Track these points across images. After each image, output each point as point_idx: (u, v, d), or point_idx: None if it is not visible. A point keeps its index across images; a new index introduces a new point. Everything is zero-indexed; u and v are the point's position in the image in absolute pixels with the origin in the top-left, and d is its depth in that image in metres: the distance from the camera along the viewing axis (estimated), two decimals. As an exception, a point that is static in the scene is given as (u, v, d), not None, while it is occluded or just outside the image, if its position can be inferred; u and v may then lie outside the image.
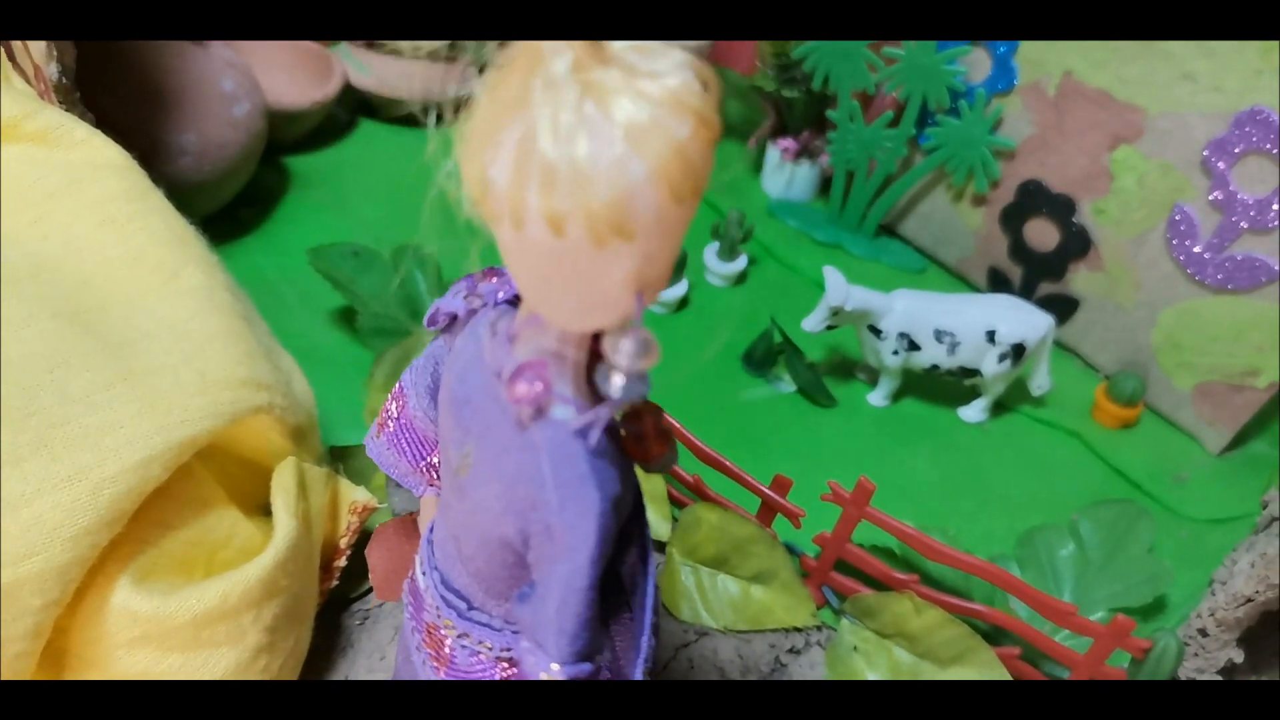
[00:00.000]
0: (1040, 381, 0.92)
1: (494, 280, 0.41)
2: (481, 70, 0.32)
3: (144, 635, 0.52)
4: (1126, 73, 0.87)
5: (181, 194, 0.84)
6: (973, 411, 0.94)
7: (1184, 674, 0.70)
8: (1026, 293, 1.02)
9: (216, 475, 0.61)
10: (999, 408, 0.95)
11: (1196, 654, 0.70)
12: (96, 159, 0.65)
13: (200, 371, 0.57)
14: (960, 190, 1.04)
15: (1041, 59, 0.92)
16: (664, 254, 0.32)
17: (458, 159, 0.32)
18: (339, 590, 0.68)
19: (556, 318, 0.35)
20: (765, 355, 0.94)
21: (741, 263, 1.03)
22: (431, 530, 0.47)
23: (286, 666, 0.59)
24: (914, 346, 0.88)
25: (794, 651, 0.73)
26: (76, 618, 0.52)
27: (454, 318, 0.43)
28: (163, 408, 0.54)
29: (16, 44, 0.74)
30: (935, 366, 0.89)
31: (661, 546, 0.78)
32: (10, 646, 0.50)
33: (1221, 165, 0.84)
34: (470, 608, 0.44)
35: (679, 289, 0.98)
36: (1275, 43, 0.78)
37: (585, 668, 0.39)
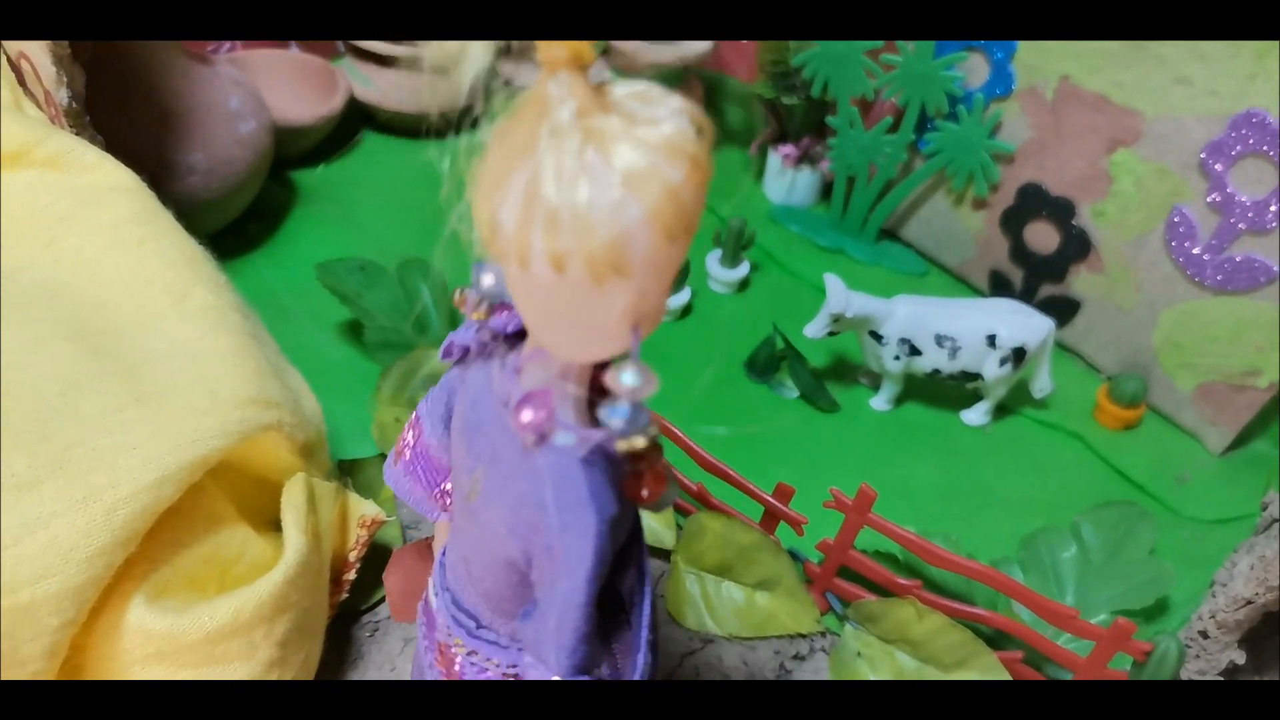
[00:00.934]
0: (1042, 384, 0.93)
1: (504, 315, 0.43)
2: (486, 83, 0.33)
3: (158, 652, 0.53)
4: (1123, 77, 0.88)
5: (190, 212, 0.86)
6: (975, 415, 0.95)
7: (1185, 676, 0.70)
8: (1028, 295, 1.03)
9: (228, 492, 0.62)
10: (1001, 410, 0.96)
11: (1198, 656, 0.71)
12: (107, 182, 0.67)
13: (211, 391, 0.58)
14: (960, 194, 1.05)
15: (1038, 64, 0.93)
16: (658, 290, 0.34)
17: (470, 201, 0.34)
18: (349, 603, 0.69)
19: (559, 349, 0.37)
20: (768, 361, 0.95)
21: (744, 269, 1.04)
22: (444, 553, 0.48)
23: (298, 680, 0.60)
24: (915, 351, 0.89)
25: (798, 658, 0.74)
26: (92, 636, 0.54)
27: (467, 350, 0.45)
28: (175, 428, 0.55)
29: (27, 69, 0.75)
30: (937, 371, 0.90)
31: (666, 554, 0.79)
32: (28, 666, 0.51)
33: (1219, 167, 0.84)
34: (479, 626, 0.46)
35: (682, 296, 0.99)
36: (1269, 46, 0.78)
37: (584, 680, 0.40)
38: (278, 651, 0.57)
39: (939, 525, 0.84)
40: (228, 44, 1.09)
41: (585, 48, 0.31)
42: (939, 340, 0.88)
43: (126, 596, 0.53)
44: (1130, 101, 0.88)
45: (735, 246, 1.01)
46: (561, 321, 0.35)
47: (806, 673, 0.73)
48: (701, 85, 1.15)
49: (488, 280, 0.41)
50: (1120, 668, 0.70)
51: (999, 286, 1.06)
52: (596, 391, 0.40)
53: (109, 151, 0.69)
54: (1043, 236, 1.00)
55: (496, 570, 0.42)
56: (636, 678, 0.45)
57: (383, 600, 0.71)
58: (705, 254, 1.04)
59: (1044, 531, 0.82)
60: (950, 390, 0.96)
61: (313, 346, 0.88)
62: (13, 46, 0.76)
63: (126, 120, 0.82)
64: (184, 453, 0.55)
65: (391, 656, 0.69)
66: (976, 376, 0.90)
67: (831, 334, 0.89)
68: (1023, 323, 0.87)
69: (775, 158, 1.14)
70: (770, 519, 0.76)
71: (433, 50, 0.34)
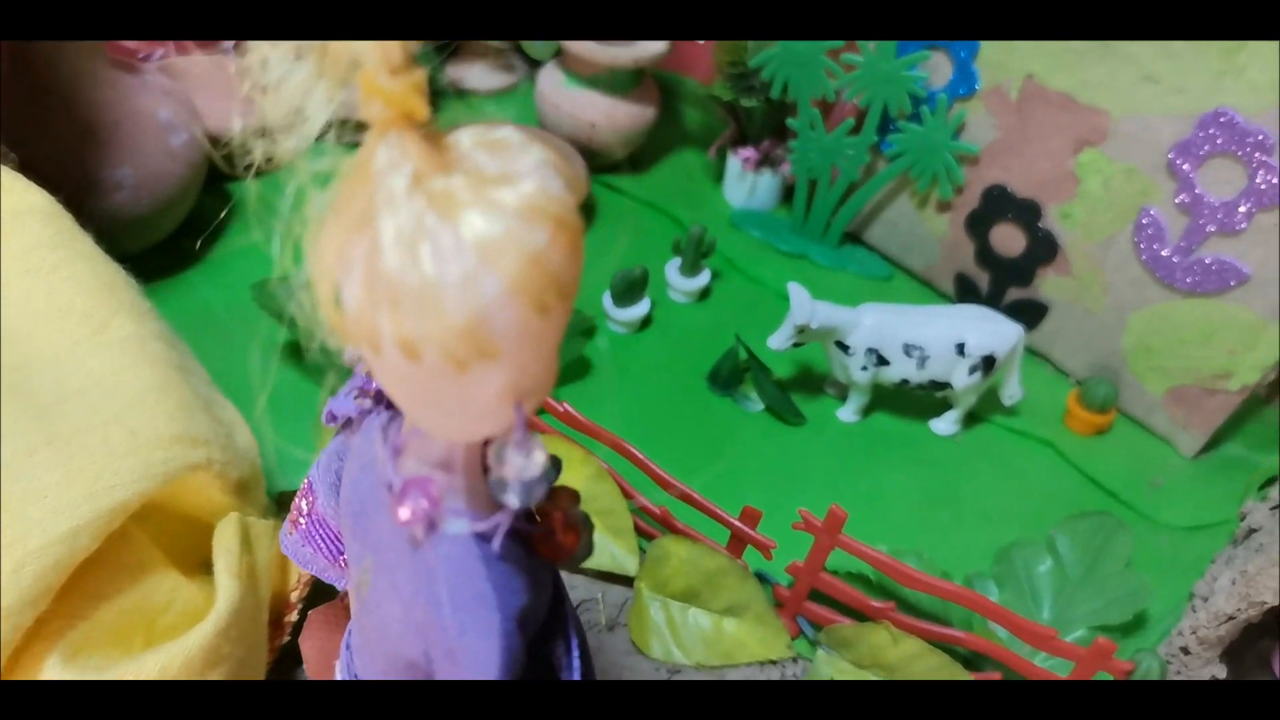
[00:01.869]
0: (1012, 391, 0.91)
1: None
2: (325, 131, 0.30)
3: (76, 717, 0.49)
4: (1089, 76, 0.85)
5: (119, 230, 0.81)
6: (945, 424, 0.93)
7: (1167, 694, 0.68)
8: (994, 299, 1.01)
9: (154, 536, 0.58)
10: (971, 419, 0.94)
11: (1179, 672, 0.69)
12: (19, 205, 0.62)
13: (131, 430, 0.54)
14: (925, 197, 1.02)
15: (1003, 62, 0.91)
16: (538, 363, 0.30)
17: (310, 276, 0.30)
18: (291, 644, 0.65)
19: (436, 433, 0.33)
20: (731, 374, 0.92)
21: (705, 278, 1.01)
22: (349, 635, 0.44)
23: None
24: (883, 361, 0.86)
25: (769, 686, 0.71)
26: (3, 702, 0.49)
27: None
28: (91, 472, 0.51)
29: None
30: (905, 381, 0.87)
31: (629, 581, 0.75)
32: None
33: (1187, 168, 0.82)
34: None
35: (641, 307, 0.96)
36: (1236, 44, 0.76)
37: None
38: (210, 709, 0.52)
39: (911, 540, 0.82)
40: (159, 51, 1.04)
41: (414, 101, 0.27)
42: (907, 350, 0.85)
43: (39, 658, 0.49)
44: (1096, 101, 0.86)
45: (695, 254, 0.97)
46: (430, 407, 0.31)
47: (778, 703, 0.70)
48: (658, 87, 1.12)
49: None
50: (1101, 689, 0.68)
51: (965, 290, 1.04)
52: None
53: (24, 169, 0.64)
54: (1009, 239, 0.98)
55: (399, 669, 0.38)
56: None
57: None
58: (665, 263, 1.01)
59: (1019, 545, 0.80)
60: (919, 399, 0.93)
61: (252, 369, 0.83)
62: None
63: (45, 134, 0.77)
64: (101, 500, 0.50)
65: (338, 702, 0.65)
66: (945, 385, 0.87)
67: (796, 345, 0.86)
68: (992, 330, 0.85)
69: (735, 161, 1.11)
70: (737, 543, 0.73)
71: (271, 103, 0.30)
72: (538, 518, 0.39)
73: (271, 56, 0.31)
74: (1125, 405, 0.96)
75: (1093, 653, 0.65)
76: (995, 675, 0.70)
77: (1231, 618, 0.63)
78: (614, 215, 1.11)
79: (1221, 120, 0.79)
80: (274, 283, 0.82)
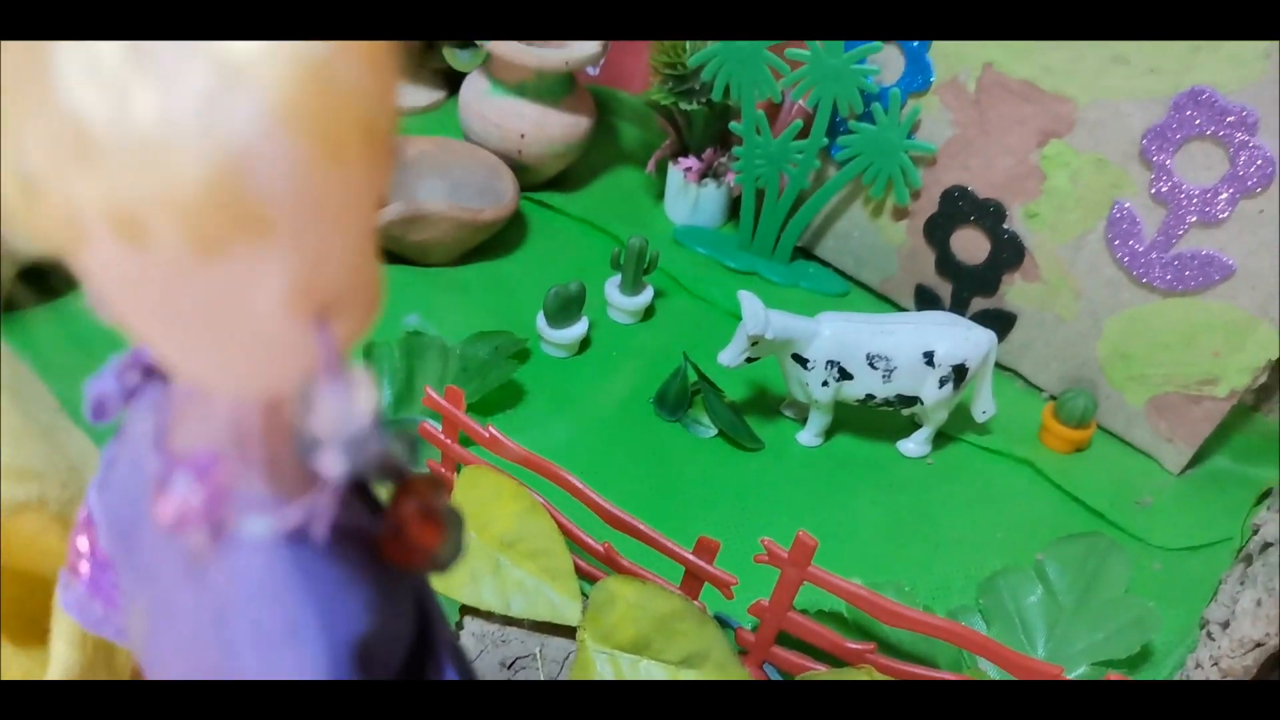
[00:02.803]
0: (984, 406, 0.83)
1: None
2: None
3: None
4: (1052, 60, 0.79)
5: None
6: (914, 444, 0.85)
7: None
8: (958, 310, 0.94)
9: (-20, 595, 0.47)
10: (942, 438, 0.86)
11: (1198, 709, 0.61)
12: None
13: (-63, 464, 0.43)
14: (880, 203, 0.96)
15: (959, 51, 0.84)
16: (340, 245, 0.21)
17: None
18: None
19: (207, 377, 0.23)
20: (679, 397, 0.83)
21: (647, 296, 0.92)
22: None
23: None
24: (845, 375, 0.78)
25: (735, 748, 0.61)
26: None
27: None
28: (-122, 516, 0.41)
29: None
30: (870, 396, 0.79)
31: (572, 632, 0.65)
32: None
33: (1162, 155, 0.76)
34: None
35: (579, 328, 0.87)
36: (1212, 15, 0.70)
37: None
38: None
39: (886, 573, 0.74)
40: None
41: None
42: (871, 361, 0.77)
43: None
44: (1061, 88, 0.80)
45: (636, 269, 0.89)
46: (181, 331, 0.21)
47: (746, 767, 0.61)
48: (592, 99, 1.04)
49: None
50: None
51: (926, 303, 0.96)
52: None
53: None
54: (971, 245, 0.91)
55: None
56: None
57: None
58: (603, 279, 0.92)
59: (1004, 573, 0.72)
60: (885, 418, 0.85)
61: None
62: None
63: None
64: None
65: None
66: (914, 400, 0.79)
67: (750, 360, 0.78)
68: (962, 337, 0.77)
69: (676, 173, 1.04)
70: (693, 581, 0.64)
71: None
72: (384, 511, 0.28)
73: None
74: (1104, 419, 0.89)
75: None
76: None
77: (1260, 644, 0.55)
78: (547, 234, 1.03)
79: (1200, 99, 0.73)
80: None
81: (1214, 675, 0.58)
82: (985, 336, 0.78)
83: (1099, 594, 0.70)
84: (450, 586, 0.67)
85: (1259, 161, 0.72)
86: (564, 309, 0.85)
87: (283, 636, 0.24)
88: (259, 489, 0.25)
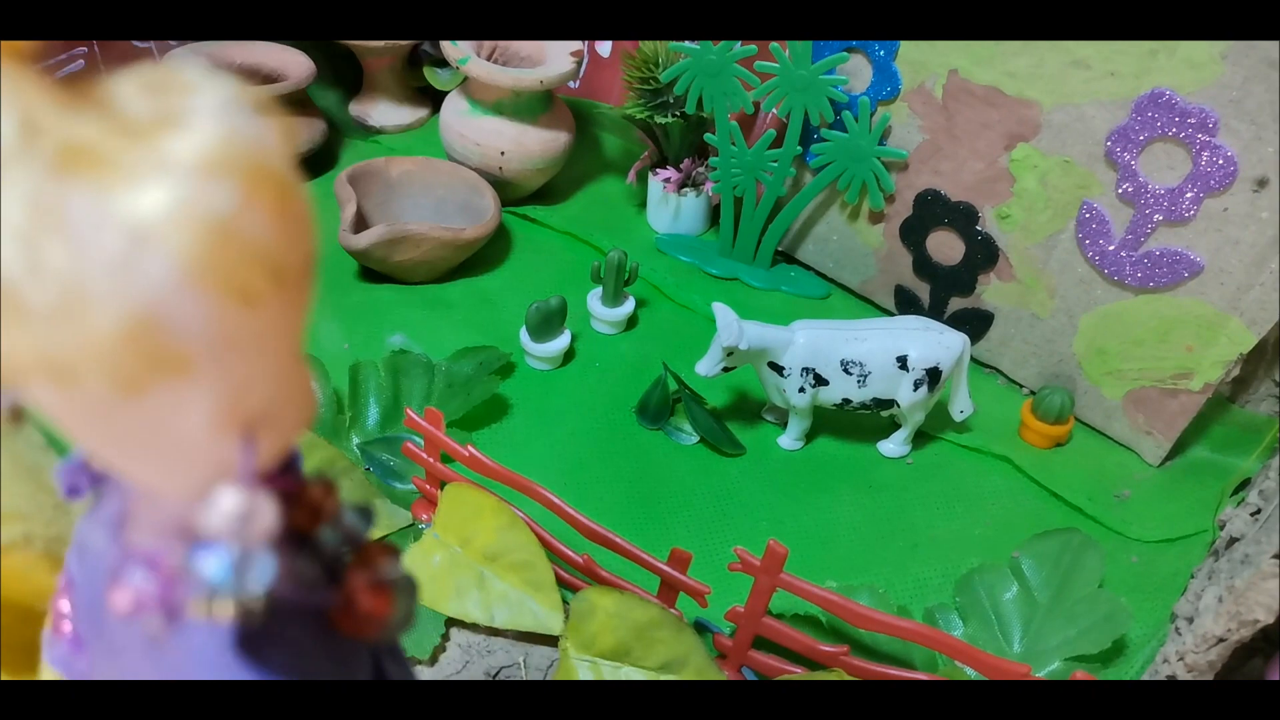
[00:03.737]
0: (961, 405, 0.85)
1: None
2: None
3: None
4: (1014, 66, 0.80)
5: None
6: (893, 445, 0.86)
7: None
8: (936, 310, 0.95)
9: (-27, 629, 0.49)
10: (921, 438, 0.87)
11: (1166, 702, 0.62)
12: None
13: (-74, 505, 0.45)
14: (856, 208, 0.97)
15: (924, 59, 0.86)
16: (265, 375, 0.23)
17: None
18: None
19: (153, 487, 0.25)
20: (661, 405, 0.85)
21: (629, 307, 0.94)
22: None
23: None
24: (821, 381, 0.79)
25: (715, 751, 0.63)
26: None
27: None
28: None
29: None
30: (847, 401, 0.81)
31: (555, 641, 0.67)
32: None
33: (1127, 155, 0.77)
34: None
35: (561, 341, 0.88)
36: (1168, 18, 0.72)
37: None
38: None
39: (865, 574, 0.75)
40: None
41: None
42: (845, 367, 0.79)
43: None
44: (1025, 92, 0.81)
45: (616, 281, 0.91)
46: (120, 452, 0.23)
47: (725, 770, 0.62)
48: (570, 113, 1.06)
49: None
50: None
51: (906, 304, 0.98)
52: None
53: None
54: (946, 247, 0.92)
55: None
56: None
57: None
58: (587, 291, 0.94)
59: (981, 571, 0.74)
60: (864, 420, 0.87)
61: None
62: None
63: None
64: (-122, 590, 0.42)
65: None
66: (890, 403, 0.81)
67: (726, 370, 0.79)
68: (935, 341, 0.79)
69: (656, 184, 1.05)
70: (668, 591, 0.65)
71: None
72: (341, 585, 0.30)
73: None
74: (1082, 413, 0.90)
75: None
76: None
77: (1222, 639, 0.56)
78: (529, 248, 1.05)
79: (1160, 101, 0.74)
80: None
81: (1180, 670, 0.59)
82: (957, 339, 0.80)
83: (1073, 590, 0.71)
84: (437, 600, 0.68)
85: (1220, 161, 0.73)
86: (545, 323, 0.87)
87: None
88: None
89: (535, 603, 0.68)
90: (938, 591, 0.75)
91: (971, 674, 0.65)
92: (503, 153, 1.00)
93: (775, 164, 0.96)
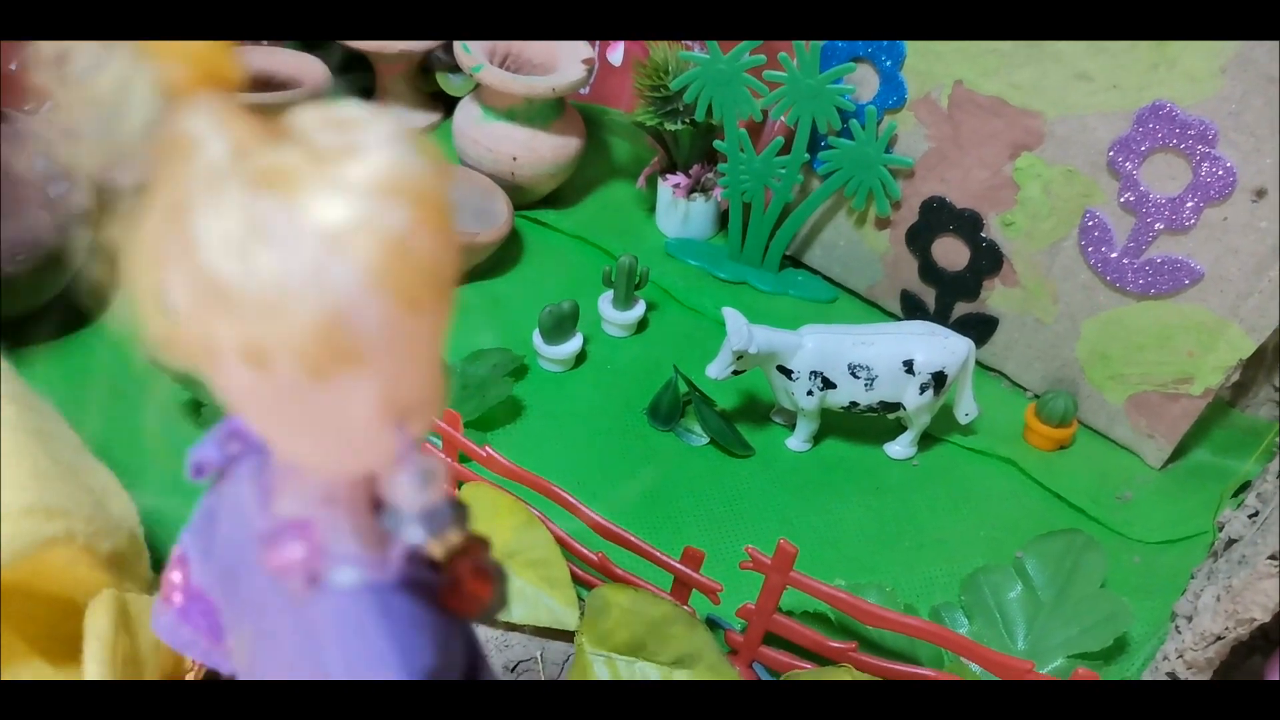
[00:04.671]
0: (966, 408, 0.86)
1: None
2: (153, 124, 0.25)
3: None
4: (1019, 78, 0.82)
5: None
6: (899, 447, 0.88)
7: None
8: (942, 315, 0.97)
9: (17, 620, 0.51)
10: (927, 440, 0.89)
11: (1166, 698, 0.64)
12: None
13: (-27, 503, 0.47)
14: (862, 214, 0.99)
15: (930, 70, 0.87)
16: (416, 371, 0.26)
17: (128, 283, 0.25)
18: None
19: (308, 464, 0.29)
20: (671, 407, 0.87)
21: (639, 310, 0.96)
22: None
23: None
24: (829, 384, 0.81)
25: (727, 745, 0.65)
26: None
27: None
28: (-78, 554, 0.44)
29: None
30: (854, 404, 0.82)
31: (571, 636, 0.69)
32: None
33: (1129, 165, 0.79)
34: None
35: (574, 344, 0.90)
36: (1170, 31, 0.73)
37: None
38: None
39: (872, 573, 0.77)
40: (49, 104, 0.98)
41: (221, 57, 0.23)
42: (853, 371, 0.80)
43: None
44: (1029, 103, 0.83)
45: (627, 285, 0.92)
46: (293, 430, 0.27)
47: (737, 763, 0.64)
48: (581, 118, 1.08)
49: None
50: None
51: (911, 308, 1.00)
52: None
53: None
54: (951, 252, 0.94)
55: None
56: None
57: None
58: (598, 294, 0.96)
59: (985, 570, 0.75)
60: (871, 423, 0.88)
61: (147, 428, 0.77)
62: None
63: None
64: (-67, 584, 0.43)
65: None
66: (897, 406, 0.83)
67: (736, 373, 0.81)
68: (940, 345, 0.81)
69: (665, 189, 1.07)
70: (682, 587, 0.67)
71: (91, 80, 0.25)
72: (443, 567, 0.34)
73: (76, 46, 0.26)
74: (1085, 417, 0.92)
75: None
76: None
77: (1220, 638, 0.58)
78: (542, 251, 1.06)
79: (1160, 113, 0.76)
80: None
81: (1180, 667, 0.61)
82: (963, 344, 0.81)
83: (1076, 589, 0.73)
84: (455, 598, 0.70)
85: (1219, 172, 0.74)
86: (558, 326, 0.89)
87: (367, 665, 0.29)
88: (349, 547, 0.30)
89: (551, 599, 0.69)
90: (944, 590, 0.77)
91: (976, 670, 0.66)
92: (515, 158, 1.02)
93: (783, 170, 0.98)
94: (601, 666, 0.67)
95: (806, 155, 0.96)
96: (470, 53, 1.00)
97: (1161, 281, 0.81)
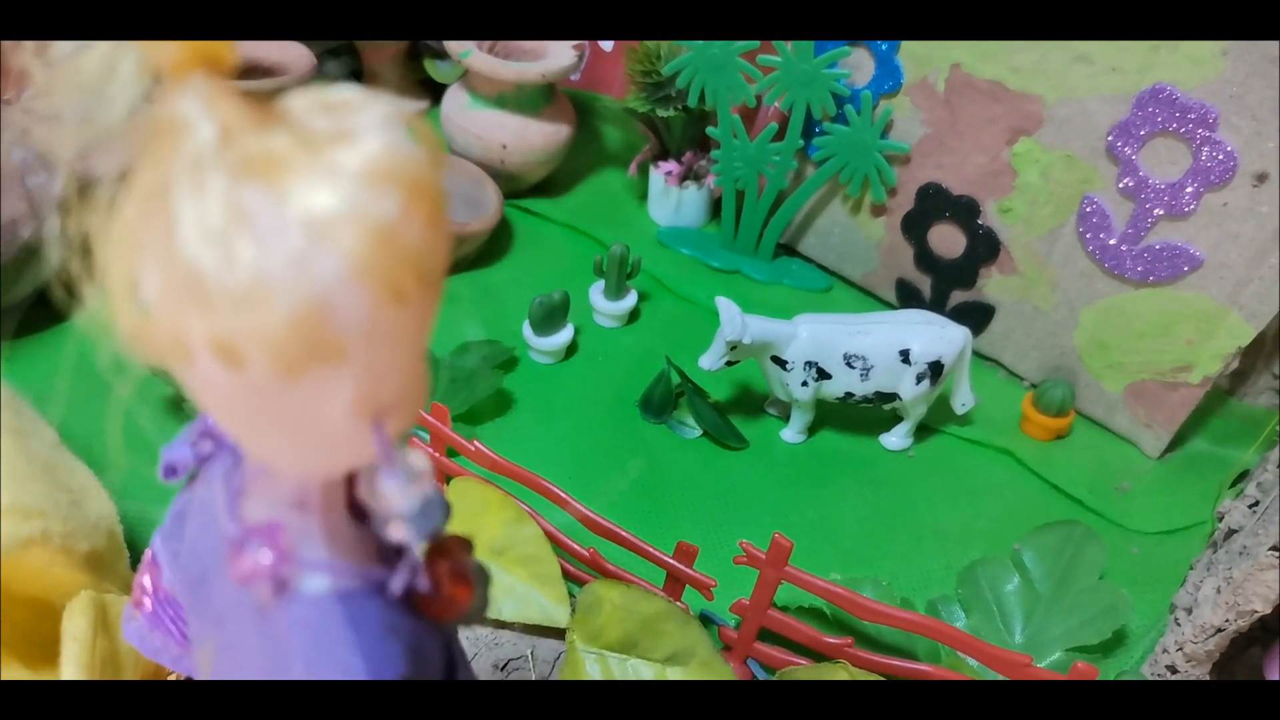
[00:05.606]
0: (963, 398, 0.85)
1: None
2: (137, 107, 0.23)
3: None
4: (1018, 61, 0.81)
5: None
6: (895, 438, 0.87)
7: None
8: (938, 303, 0.96)
9: (-9, 624, 0.50)
10: (923, 431, 0.88)
11: (1166, 692, 0.63)
12: None
13: (-56, 504, 0.46)
14: (858, 201, 0.97)
15: (927, 54, 0.86)
16: (398, 369, 0.25)
17: (101, 272, 0.24)
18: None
19: (281, 465, 0.28)
20: (664, 399, 0.85)
21: (631, 300, 0.94)
22: None
23: None
24: (824, 375, 0.80)
25: (721, 742, 0.64)
26: None
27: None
28: (-110, 557, 0.43)
29: None
30: (849, 394, 0.81)
31: (562, 634, 0.68)
32: None
33: (1128, 150, 0.78)
34: None
35: (564, 335, 0.89)
36: (1170, 13, 0.72)
37: None
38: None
39: (868, 566, 0.76)
40: (29, 90, 0.96)
41: (216, 44, 0.22)
42: (848, 361, 0.79)
43: None
44: (1028, 86, 0.81)
45: (619, 275, 0.91)
46: (266, 430, 0.26)
47: (731, 761, 0.63)
48: (572, 105, 1.06)
49: None
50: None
51: (907, 296, 0.98)
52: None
53: None
54: (948, 240, 0.93)
55: None
56: None
57: None
58: (589, 284, 0.94)
59: (983, 563, 0.74)
60: (867, 414, 0.87)
61: (133, 424, 0.75)
62: None
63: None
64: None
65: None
66: (893, 397, 0.81)
67: (730, 364, 0.80)
68: (937, 334, 0.79)
69: (657, 177, 1.05)
70: (674, 583, 0.66)
71: (74, 63, 0.24)
72: (420, 569, 0.32)
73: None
74: (1083, 406, 0.91)
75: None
76: None
77: (1220, 630, 0.57)
78: (532, 240, 1.05)
79: (1160, 97, 0.74)
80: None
81: (1179, 660, 0.60)
82: (960, 333, 0.80)
83: (1074, 581, 0.72)
84: (444, 595, 0.69)
85: (1220, 156, 0.73)
86: (548, 317, 0.87)
87: (337, 672, 0.27)
88: (319, 553, 0.29)
89: (542, 596, 0.68)
90: (940, 583, 0.76)
91: (974, 665, 0.65)
92: (504, 146, 1.00)
93: (777, 157, 0.96)
94: (593, 664, 0.66)
95: (801, 141, 0.95)
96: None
97: (1161, 268, 0.80)
